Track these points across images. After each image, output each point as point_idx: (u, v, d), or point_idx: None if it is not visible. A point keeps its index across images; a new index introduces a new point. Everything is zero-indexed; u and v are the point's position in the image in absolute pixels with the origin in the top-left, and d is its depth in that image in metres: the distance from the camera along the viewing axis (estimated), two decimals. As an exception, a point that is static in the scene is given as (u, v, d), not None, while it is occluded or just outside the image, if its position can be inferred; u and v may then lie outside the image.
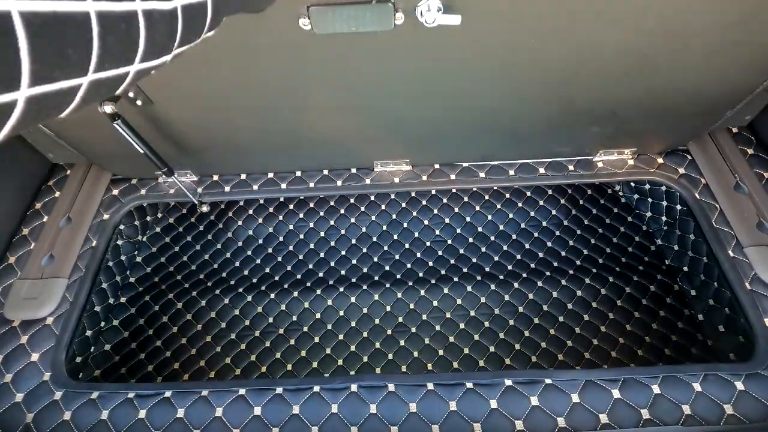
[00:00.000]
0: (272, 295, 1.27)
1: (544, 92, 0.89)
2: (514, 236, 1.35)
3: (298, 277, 1.31)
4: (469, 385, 0.86)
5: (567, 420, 0.81)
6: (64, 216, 1.11)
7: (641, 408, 0.81)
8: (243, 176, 1.19)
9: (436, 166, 1.20)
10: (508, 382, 0.85)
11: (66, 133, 0.99)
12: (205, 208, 1.18)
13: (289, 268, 1.33)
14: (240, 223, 1.41)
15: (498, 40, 0.76)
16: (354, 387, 0.86)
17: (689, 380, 0.83)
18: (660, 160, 1.14)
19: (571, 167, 1.15)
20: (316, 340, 1.19)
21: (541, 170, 1.16)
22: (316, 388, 0.86)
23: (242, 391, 0.86)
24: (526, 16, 0.71)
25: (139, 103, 0.86)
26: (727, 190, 1.06)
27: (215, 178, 1.19)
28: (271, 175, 1.19)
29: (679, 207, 1.18)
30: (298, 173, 1.20)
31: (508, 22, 0.73)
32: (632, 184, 1.33)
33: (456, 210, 1.40)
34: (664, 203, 1.23)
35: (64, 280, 1.02)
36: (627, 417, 0.80)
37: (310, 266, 1.33)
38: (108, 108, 0.82)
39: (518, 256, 1.31)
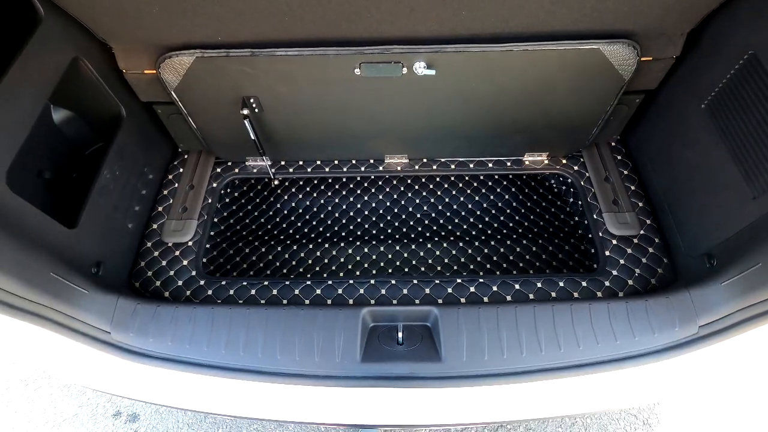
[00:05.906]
0: (310, 246, 2.08)
1: (483, 113, 1.72)
2: (478, 212, 2.19)
3: (327, 235, 2.13)
4: (437, 281, 1.69)
5: (489, 298, 1.64)
6: (188, 184, 1.94)
7: (529, 293, 1.64)
8: (301, 162, 2.03)
9: (424, 160, 2.04)
10: (458, 280, 1.68)
11: (204, 129, 1.80)
12: (276, 182, 2.00)
13: (321, 229, 2.15)
14: (285, 197, 2.23)
15: (455, 83, 1.59)
16: (372, 281, 1.69)
17: (557, 281, 1.66)
18: (564, 161, 1.99)
19: (508, 164, 1.99)
20: (341, 275, 2.00)
21: (490, 165, 2.00)
22: (351, 281, 1.69)
23: (308, 282, 1.69)
24: (469, 72, 1.54)
25: (257, 110, 1.69)
26: (600, 180, 1.91)
27: (283, 163, 2.02)
28: (318, 162, 2.03)
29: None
30: (336, 162, 2.03)
31: (460, 74, 1.56)
32: (560, 178, 2.17)
33: (439, 193, 2.23)
34: (578, 193, 2.07)
35: (195, 221, 1.84)
36: (521, 298, 1.64)
37: (336, 228, 2.15)
38: (245, 111, 1.64)
39: (480, 225, 2.14)
